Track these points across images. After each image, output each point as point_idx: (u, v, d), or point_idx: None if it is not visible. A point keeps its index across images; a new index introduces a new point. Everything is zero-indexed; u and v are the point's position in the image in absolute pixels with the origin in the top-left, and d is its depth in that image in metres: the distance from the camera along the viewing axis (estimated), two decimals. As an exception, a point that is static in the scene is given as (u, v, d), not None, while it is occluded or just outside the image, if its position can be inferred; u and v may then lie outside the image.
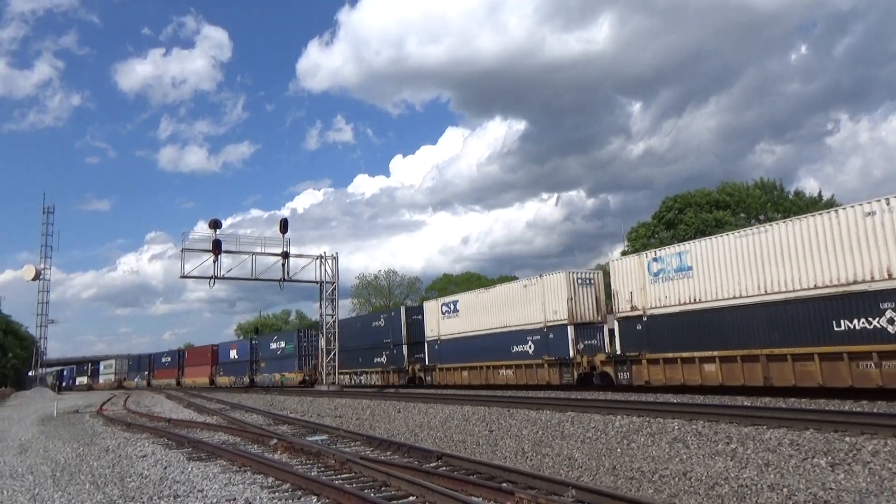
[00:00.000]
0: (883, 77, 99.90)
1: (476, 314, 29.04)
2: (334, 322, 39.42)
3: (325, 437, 15.01)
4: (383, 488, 8.68)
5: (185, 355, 66.69)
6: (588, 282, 24.87)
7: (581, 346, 23.78)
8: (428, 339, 32.61)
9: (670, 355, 19.69)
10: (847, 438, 9.63)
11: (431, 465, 10.18)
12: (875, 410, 12.45)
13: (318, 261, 39.26)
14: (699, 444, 10.37)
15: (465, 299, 30.49)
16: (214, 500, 8.40)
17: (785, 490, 7.49)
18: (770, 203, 50.33)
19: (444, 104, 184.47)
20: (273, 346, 48.46)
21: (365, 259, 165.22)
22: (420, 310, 34.76)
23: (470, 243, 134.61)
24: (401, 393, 27.74)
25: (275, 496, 8.50)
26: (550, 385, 24.46)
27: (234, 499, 8.41)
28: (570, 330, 23.88)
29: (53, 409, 30.82)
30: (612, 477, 9.13)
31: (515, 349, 26.38)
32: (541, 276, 25.55)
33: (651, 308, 20.55)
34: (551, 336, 24.68)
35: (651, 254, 21.13)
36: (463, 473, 9.18)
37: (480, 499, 7.62)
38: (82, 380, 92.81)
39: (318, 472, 10.00)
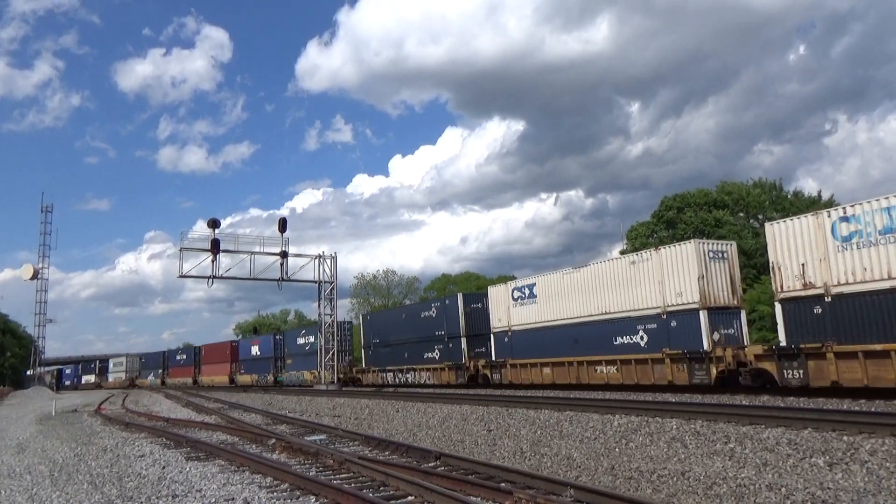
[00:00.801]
0: (881, 77, 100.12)
1: (560, 300, 24.41)
2: (333, 322, 39.44)
3: (323, 436, 15.01)
4: (382, 488, 8.68)
5: (201, 352, 62.35)
6: (721, 255, 20.16)
7: (717, 335, 19.23)
8: (495, 331, 27.73)
9: (867, 348, 14.83)
10: (845, 438, 9.64)
11: (430, 464, 10.18)
12: (873, 409, 12.47)
13: (316, 260, 39.28)
14: (697, 444, 10.37)
15: (544, 283, 25.42)
16: (213, 500, 8.39)
17: (783, 489, 7.50)
18: (769, 203, 50.36)
19: (443, 104, 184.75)
20: (301, 340, 44.37)
21: (364, 259, 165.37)
22: (481, 297, 30.49)
23: (469, 243, 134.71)
24: (400, 392, 27.71)
25: (273, 496, 8.49)
26: (674, 386, 19.88)
27: (233, 499, 8.40)
28: (703, 316, 19.19)
29: (52, 408, 30.80)
30: (610, 477, 9.13)
31: (620, 341, 21.85)
32: (657, 249, 21.18)
33: (839, 285, 15.76)
34: (673, 324, 20.03)
35: (838, 212, 16.23)
36: (461, 473, 9.18)
37: (479, 499, 7.62)
38: (89, 378, 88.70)
39: (317, 472, 10.00)
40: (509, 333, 27.10)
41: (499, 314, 27.77)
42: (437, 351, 31.79)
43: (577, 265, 24.37)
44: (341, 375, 39.22)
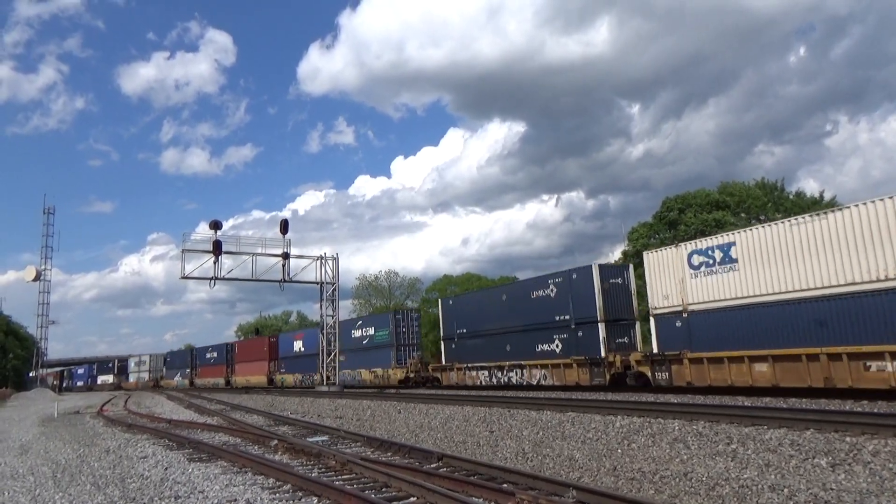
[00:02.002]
0: (881, 79, 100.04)
1: (784, 263, 17.02)
2: (335, 323, 39.43)
3: (325, 437, 15.02)
4: (384, 489, 8.68)
5: (234, 349, 55.91)
6: None
7: None
8: (657, 313, 20.53)
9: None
10: (848, 438, 9.63)
11: (432, 465, 10.18)
12: (875, 410, 12.45)
13: (318, 262, 39.29)
14: (700, 445, 10.36)
15: (751, 240, 18.03)
16: (215, 502, 8.40)
17: (786, 490, 7.50)
18: (771, 203, 50.31)
19: (444, 106, 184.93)
20: (356, 333, 39.06)
21: (366, 260, 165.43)
22: (621, 270, 24.22)
23: (470, 244, 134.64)
24: (402, 393, 27.70)
25: (275, 497, 8.50)
26: None
27: (235, 500, 8.41)
28: None
29: (54, 409, 30.82)
30: (612, 478, 9.13)
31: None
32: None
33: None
34: None
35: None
36: (464, 474, 9.19)
37: (481, 500, 7.63)
38: (106, 378, 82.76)
39: (319, 473, 10.01)
40: (685, 315, 19.81)
41: (664, 289, 20.54)
42: (557, 342, 24.50)
43: (813, 215, 16.70)
44: (411, 374, 34.18)
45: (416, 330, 36.23)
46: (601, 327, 22.79)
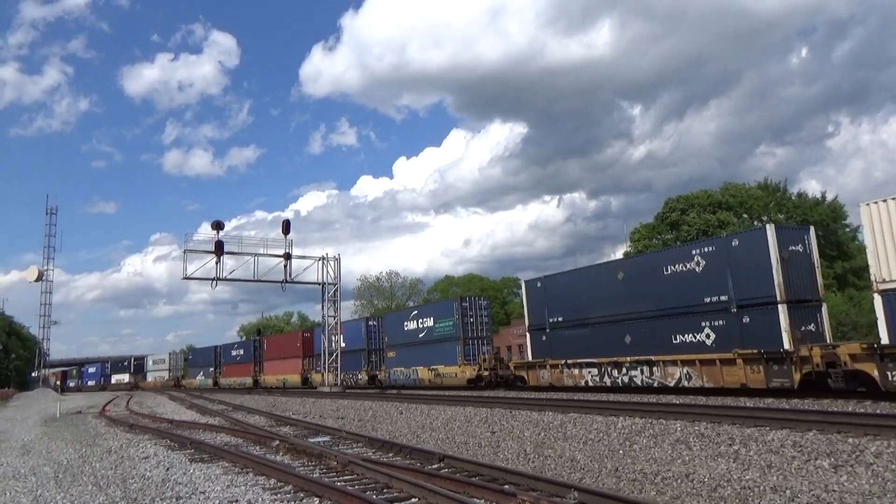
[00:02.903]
0: (883, 80, 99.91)
1: None
2: (337, 324, 39.42)
3: (327, 438, 15.01)
4: (385, 490, 8.68)
5: (263, 345, 50.94)
6: None
7: None
8: (888, 288, 14.76)
9: None
10: (850, 440, 9.60)
11: (433, 466, 10.17)
12: (878, 412, 12.41)
13: (320, 262, 39.29)
14: (702, 446, 10.34)
15: None
16: (217, 502, 8.40)
17: (788, 492, 7.48)
18: (773, 204, 50.25)
19: (447, 108, 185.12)
20: (410, 325, 34.01)
21: (368, 261, 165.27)
22: (800, 234, 18.46)
23: (472, 245, 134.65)
24: (403, 394, 27.68)
25: (277, 498, 8.50)
26: None
27: (237, 500, 8.41)
28: None
29: (56, 410, 30.87)
30: (614, 479, 9.11)
31: None
32: None
33: None
34: None
35: None
36: (465, 475, 9.17)
37: (483, 501, 7.62)
38: (122, 378, 78.08)
39: (321, 474, 10.01)
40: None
41: None
42: (707, 331, 19.03)
43: None
44: (483, 372, 28.67)
45: (485, 320, 30.90)
46: (782, 311, 16.93)
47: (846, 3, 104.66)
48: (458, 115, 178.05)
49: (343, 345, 39.30)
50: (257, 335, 71.22)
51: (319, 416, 21.63)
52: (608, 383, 21.99)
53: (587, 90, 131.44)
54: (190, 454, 13.04)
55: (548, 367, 24.61)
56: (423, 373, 32.28)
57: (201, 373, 61.09)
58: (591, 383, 22.71)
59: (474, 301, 31.38)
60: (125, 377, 77.00)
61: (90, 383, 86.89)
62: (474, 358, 29.72)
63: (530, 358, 25.87)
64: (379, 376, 36.67)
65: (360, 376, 37.76)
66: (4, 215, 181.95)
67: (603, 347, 22.34)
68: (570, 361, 23.64)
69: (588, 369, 22.89)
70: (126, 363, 79.07)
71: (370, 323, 39.07)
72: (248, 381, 50.66)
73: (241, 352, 54.14)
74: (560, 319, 24.51)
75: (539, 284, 26.02)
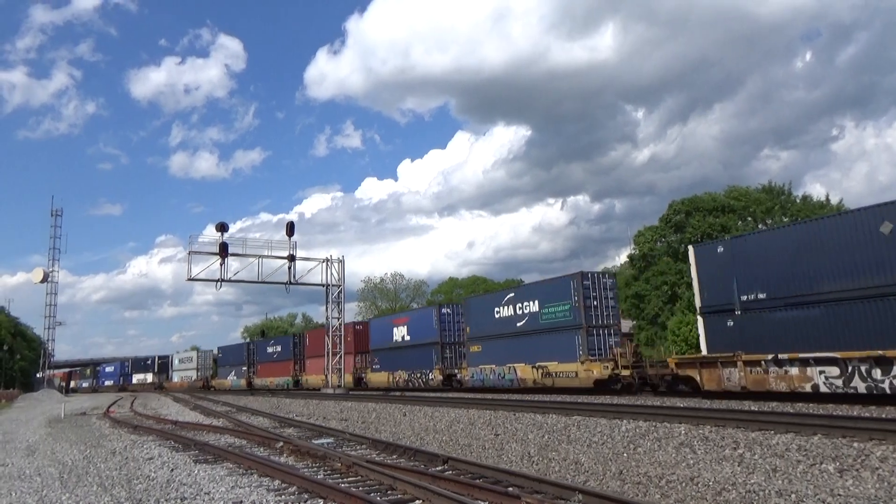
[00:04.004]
0: (887, 84, 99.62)
1: None
2: (340, 325, 39.43)
3: (331, 440, 15.02)
4: (389, 492, 8.68)
5: (305, 341, 45.52)
6: None
7: None
8: None
9: None
10: (855, 444, 9.57)
11: (437, 468, 10.17)
12: (884, 416, 12.37)
13: (324, 264, 39.35)
14: (706, 449, 10.32)
15: None
16: (221, 503, 8.41)
17: (793, 496, 7.46)
18: (778, 207, 50.13)
19: (451, 111, 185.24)
20: (504, 311, 27.45)
21: (372, 263, 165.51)
22: None
23: (475, 247, 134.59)
24: (406, 396, 27.66)
25: (281, 499, 8.51)
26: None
27: (241, 502, 8.42)
28: None
29: (61, 410, 30.95)
30: (618, 482, 9.10)
31: None
32: None
33: None
34: None
35: None
36: (469, 477, 9.17)
37: (486, 503, 7.61)
38: (144, 377, 73.45)
39: (325, 475, 10.01)
40: None
41: None
42: None
43: None
44: (619, 371, 22.41)
45: (612, 303, 24.31)
46: None
47: (849, 8, 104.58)
48: (462, 118, 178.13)
49: (407, 337, 34.02)
50: (261, 336, 70.93)
51: (323, 417, 21.64)
52: (862, 389, 14.79)
53: (590, 93, 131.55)
54: (194, 455, 13.06)
55: (740, 363, 17.65)
56: (524, 371, 25.78)
57: (233, 372, 56.35)
58: (825, 388, 15.60)
59: (598, 278, 24.27)
60: (148, 377, 72.64)
61: (107, 383, 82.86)
62: (602, 352, 23.13)
63: (705, 352, 18.97)
64: (458, 375, 30.30)
65: (431, 376, 31.42)
66: (11, 217, 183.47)
67: (851, 335, 15.28)
68: (783, 356, 16.53)
69: (821, 368, 15.73)
70: (149, 362, 74.65)
71: (444, 311, 32.38)
72: (288, 381, 45.61)
73: (279, 348, 48.70)
74: (761, 296, 17.62)
75: (721, 249, 18.97)
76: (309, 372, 43.72)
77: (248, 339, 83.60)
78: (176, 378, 67.02)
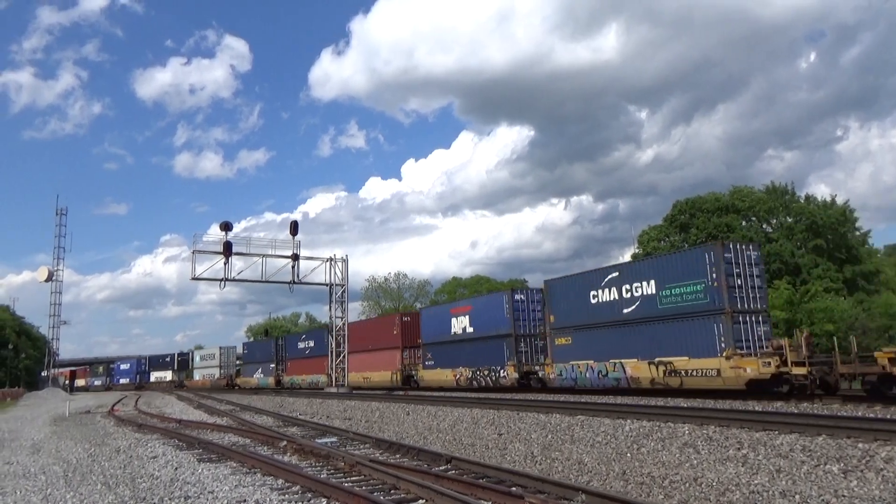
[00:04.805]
0: (892, 85, 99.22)
1: None
2: (344, 325, 39.45)
3: (334, 439, 15.04)
4: (393, 491, 8.69)
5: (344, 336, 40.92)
6: None
7: None
8: None
9: None
10: (860, 445, 9.53)
11: (441, 468, 10.17)
12: (889, 417, 12.32)
13: (328, 263, 39.37)
14: (710, 450, 10.30)
15: None
16: (225, 502, 8.43)
17: (797, 497, 7.44)
18: (781, 207, 50.02)
19: (454, 111, 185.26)
20: (605, 294, 22.75)
21: (375, 262, 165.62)
22: None
23: (479, 247, 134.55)
24: (410, 395, 27.65)
25: (285, 498, 8.52)
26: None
27: (245, 500, 8.44)
28: None
29: (65, 409, 31.05)
30: (621, 482, 9.09)
31: None
32: None
33: None
34: None
35: None
36: (472, 477, 9.18)
37: (490, 502, 7.61)
38: (163, 375, 70.13)
39: (328, 475, 10.03)
40: None
41: None
42: None
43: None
44: (790, 369, 17.18)
45: (758, 283, 19.44)
46: None
47: (853, 9, 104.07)
48: (465, 119, 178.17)
49: (469, 329, 29.53)
50: (265, 336, 70.60)
51: (326, 416, 21.67)
52: None
53: (593, 94, 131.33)
54: (198, 454, 13.09)
55: None
56: (637, 369, 21.16)
57: (259, 370, 52.71)
58: None
59: (740, 250, 19.24)
60: (167, 375, 69.35)
61: (122, 381, 79.78)
62: (750, 344, 18.44)
63: None
64: (541, 373, 25.62)
65: (503, 374, 26.91)
66: (17, 216, 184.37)
67: None
68: None
69: None
70: (168, 359, 71.38)
71: (517, 297, 27.51)
72: (321, 379, 41.92)
73: (311, 343, 44.45)
74: None
75: None
76: (348, 369, 39.79)
77: (248, 337, 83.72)
78: (197, 376, 64.02)
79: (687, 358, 19.63)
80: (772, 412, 13.63)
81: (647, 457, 10.39)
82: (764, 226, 49.96)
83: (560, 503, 7.18)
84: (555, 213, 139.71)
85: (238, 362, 59.92)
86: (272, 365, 50.61)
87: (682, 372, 19.72)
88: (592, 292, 23.36)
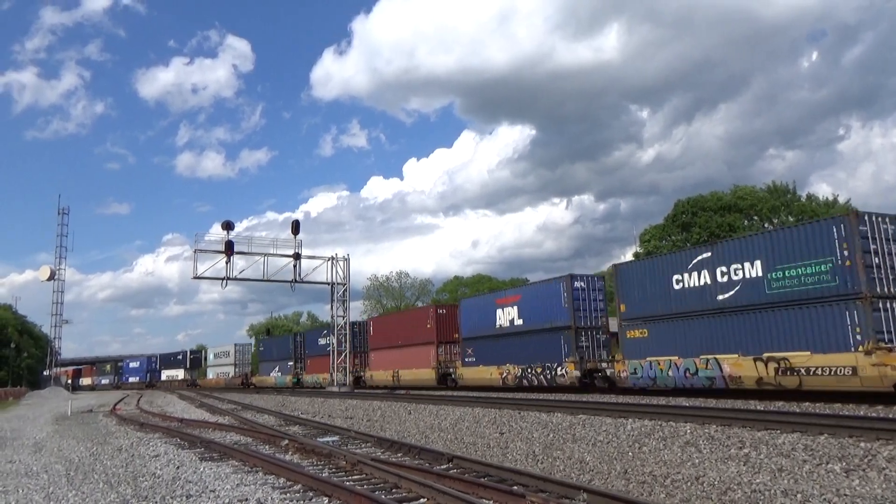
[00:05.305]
0: (893, 85, 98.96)
1: None
2: (345, 324, 39.46)
3: (336, 438, 15.05)
4: (394, 490, 8.69)
5: (368, 329, 39.74)
6: None
7: None
8: None
9: None
10: (862, 444, 9.52)
11: (442, 467, 10.17)
12: (891, 416, 12.31)
13: (329, 262, 39.42)
14: (712, 449, 10.30)
15: None
16: (227, 500, 8.44)
17: (799, 496, 7.43)
18: (783, 206, 49.97)
19: (456, 110, 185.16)
20: (687, 279, 19.73)
21: (377, 262, 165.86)
22: None
23: (480, 247, 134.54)
24: (411, 394, 27.66)
25: (286, 497, 8.52)
26: None
27: (246, 499, 8.44)
28: None
29: (67, 408, 31.10)
30: (623, 481, 9.08)
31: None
32: None
33: None
34: None
35: None
36: (474, 476, 9.17)
37: (491, 501, 7.61)
38: (175, 374, 68.21)
39: (330, 473, 10.03)
40: None
41: None
42: None
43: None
44: None
45: None
46: None
47: (854, 9, 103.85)
48: (466, 118, 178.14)
49: (518, 321, 26.76)
50: (267, 335, 70.44)
51: (328, 415, 21.68)
52: None
53: (595, 94, 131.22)
54: (200, 453, 13.10)
55: None
56: (738, 366, 17.91)
57: (276, 367, 50.59)
58: None
59: (877, 223, 16.00)
60: (179, 373, 67.32)
61: (132, 380, 77.95)
62: (893, 336, 15.13)
63: None
64: (609, 371, 22.62)
65: (560, 371, 23.68)
66: (19, 216, 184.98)
67: None
68: None
69: None
70: (180, 356, 69.45)
71: (577, 285, 24.37)
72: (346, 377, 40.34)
73: (335, 340, 42.23)
74: None
75: None
76: (374, 367, 37.17)
77: (250, 336, 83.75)
78: (211, 374, 61.62)
79: (808, 353, 16.19)
80: (773, 411, 13.62)
81: (648, 456, 10.38)
82: (766, 225, 49.88)
83: (562, 502, 7.17)
84: (556, 212, 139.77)
85: (253, 360, 58.36)
86: (290, 363, 48.33)
87: (802, 370, 16.31)
88: (676, 277, 20.11)
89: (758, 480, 8.21)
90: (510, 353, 27.05)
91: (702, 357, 18.99)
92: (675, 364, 19.78)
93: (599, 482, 9.16)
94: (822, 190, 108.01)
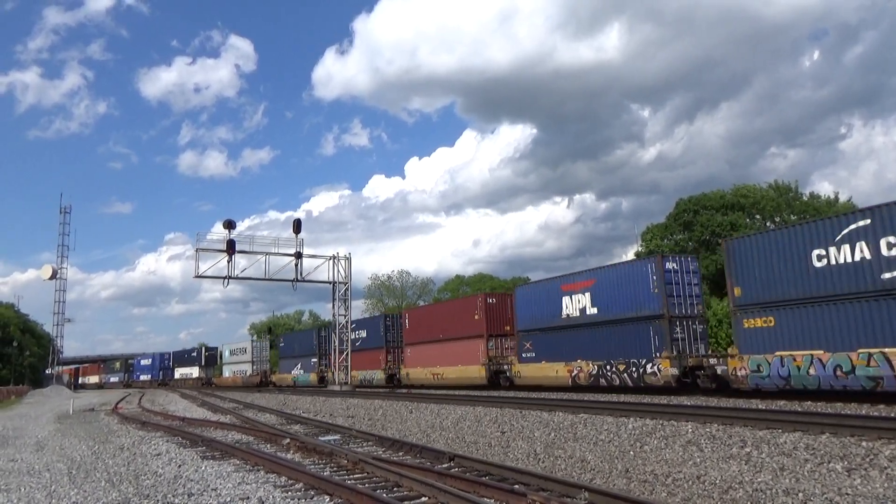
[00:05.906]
0: (895, 83, 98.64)
1: None
2: (347, 323, 39.48)
3: (337, 436, 15.06)
4: (395, 489, 8.69)
5: (403, 323, 35.58)
6: None
7: None
8: None
9: None
10: (864, 443, 9.52)
11: (443, 465, 10.18)
12: (892, 415, 12.29)
13: (331, 261, 39.43)
14: (713, 448, 10.29)
15: None
16: (228, 499, 8.45)
17: (800, 495, 7.42)
18: (785, 205, 49.88)
19: (457, 110, 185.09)
20: (834, 254, 15.78)
21: (378, 261, 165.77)
22: None
23: (481, 246, 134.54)
24: (413, 393, 27.67)
25: (288, 495, 8.53)
26: None
27: (248, 498, 8.45)
28: None
29: (69, 407, 31.15)
30: (625, 480, 9.08)
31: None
32: None
33: None
34: None
35: None
36: (475, 475, 9.18)
37: (493, 500, 7.61)
38: (189, 372, 65.68)
39: (331, 472, 10.04)
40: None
41: None
42: None
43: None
44: None
45: None
46: None
47: (855, 9, 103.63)
48: (467, 117, 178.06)
49: (591, 310, 23.20)
50: (268, 333, 70.11)
51: (330, 414, 21.69)
52: None
53: (596, 93, 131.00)
54: (201, 451, 13.12)
55: None
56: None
57: (298, 365, 47.06)
58: None
59: None
60: (193, 371, 64.67)
61: (143, 378, 76.16)
62: None
63: None
64: (720, 369, 18.98)
65: (651, 369, 20.50)
66: (22, 215, 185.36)
67: None
68: None
69: None
70: (195, 354, 66.93)
71: (669, 266, 21.01)
72: (378, 375, 36.42)
73: (364, 333, 38.75)
74: None
75: None
76: (410, 364, 33.39)
77: (252, 335, 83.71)
78: (227, 373, 58.42)
79: None
80: (775, 410, 13.61)
81: (650, 455, 10.38)
82: (768, 223, 49.81)
83: (563, 501, 7.17)
84: (557, 211, 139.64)
85: (270, 358, 55.53)
86: (314, 359, 44.42)
87: None
88: (817, 252, 16.28)
89: (759, 479, 8.21)
90: (581, 348, 23.37)
91: (859, 352, 15.06)
92: (820, 360, 15.87)
93: (601, 481, 9.16)
94: (824, 189, 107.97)
